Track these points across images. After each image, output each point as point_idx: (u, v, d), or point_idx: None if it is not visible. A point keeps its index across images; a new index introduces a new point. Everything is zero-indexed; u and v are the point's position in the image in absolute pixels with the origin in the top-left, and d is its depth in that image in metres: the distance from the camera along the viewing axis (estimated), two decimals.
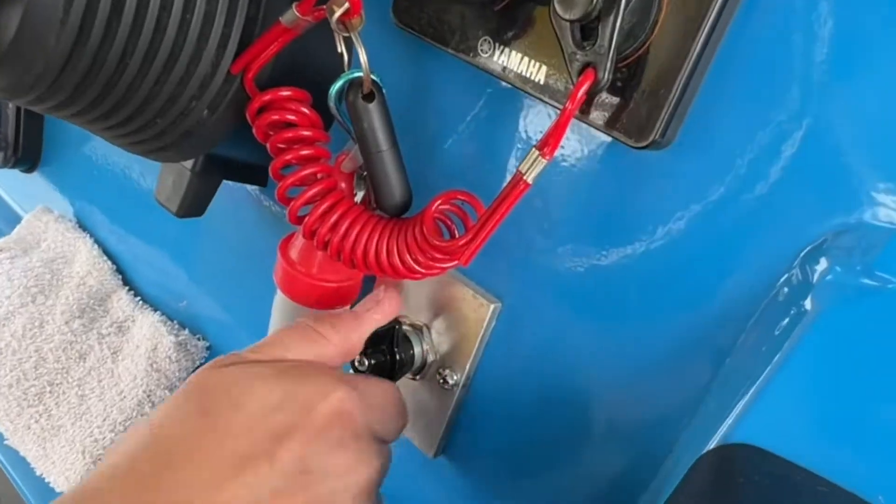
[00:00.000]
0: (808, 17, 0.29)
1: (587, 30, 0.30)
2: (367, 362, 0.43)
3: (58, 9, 0.32)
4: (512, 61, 0.35)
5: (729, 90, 0.32)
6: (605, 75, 0.30)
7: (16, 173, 0.78)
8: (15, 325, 0.67)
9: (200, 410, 0.32)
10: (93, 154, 0.71)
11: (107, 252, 0.71)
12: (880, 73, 0.28)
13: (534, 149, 0.33)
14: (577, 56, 0.31)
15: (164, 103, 0.37)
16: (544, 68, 0.34)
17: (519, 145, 0.40)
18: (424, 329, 0.45)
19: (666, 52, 0.30)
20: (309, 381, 0.34)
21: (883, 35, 0.28)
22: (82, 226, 0.74)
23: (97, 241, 0.72)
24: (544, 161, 0.33)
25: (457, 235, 0.38)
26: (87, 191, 0.73)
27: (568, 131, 0.33)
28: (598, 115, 0.33)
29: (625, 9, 0.29)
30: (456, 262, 0.38)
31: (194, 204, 0.51)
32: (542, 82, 0.34)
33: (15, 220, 0.77)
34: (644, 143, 0.31)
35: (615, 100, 0.32)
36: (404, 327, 0.45)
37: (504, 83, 0.38)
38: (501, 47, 0.35)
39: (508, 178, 0.34)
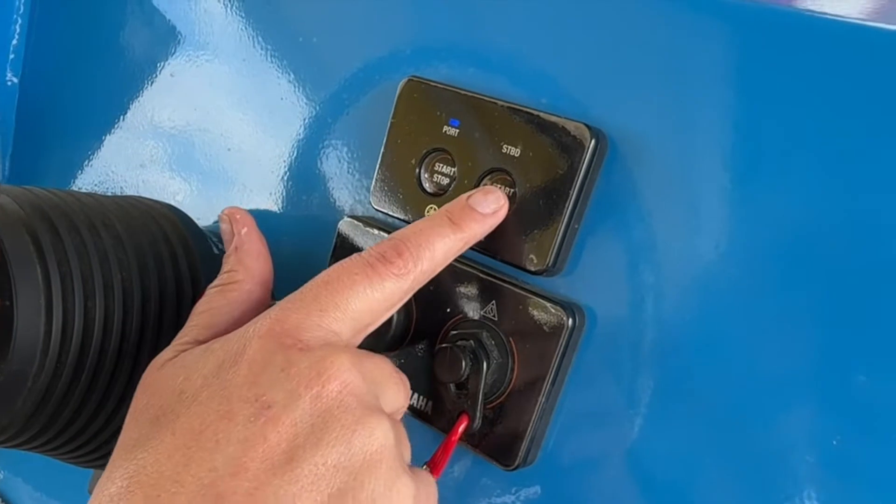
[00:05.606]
0: (618, 361, 0.39)
1: (460, 383, 0.39)
2: None
3: (27, 380, 0.39)
4: None
5: (574, 413, 0.40)
6: (477, 420, 0.39)
7: None
8: None
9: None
10: None
11: None
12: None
13: (425, 465, 0.40)
14: (455, 403, 0.39)
15: (116, 432, 0.44)
16: (431, 402, 0.42)
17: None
18: None
19: (521, 398, 0.39)
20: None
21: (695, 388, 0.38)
22: (6, 499, 0.76)
23: None
24: (432, 479, 0.40)
25: None
26: (15, 463, 0.75)
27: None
28: (474, 443, 0.41)
29: (486, 372, 0.38)
30: None
31: None
32: (429, 413, 0.42)
33: None
34: (512, 466, 0.40)
35: (487, 430, 0.40)
36: None
37: None
38: None
39: None
